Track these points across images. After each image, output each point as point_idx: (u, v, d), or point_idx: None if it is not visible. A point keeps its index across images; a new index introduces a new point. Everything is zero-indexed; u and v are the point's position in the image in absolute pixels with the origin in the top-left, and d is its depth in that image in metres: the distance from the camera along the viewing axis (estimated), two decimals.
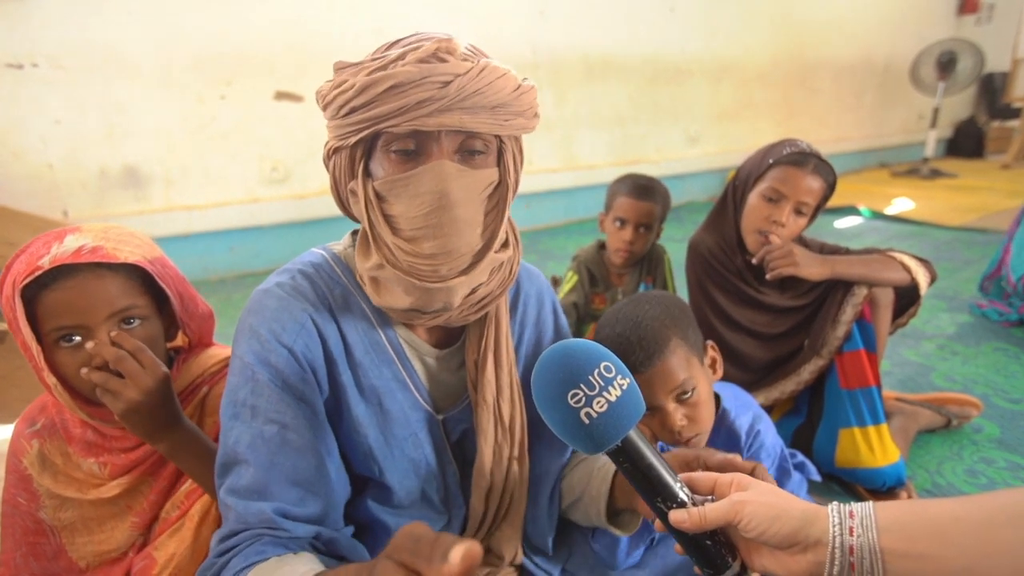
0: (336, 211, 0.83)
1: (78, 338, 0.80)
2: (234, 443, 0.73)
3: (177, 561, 0.85)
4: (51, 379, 0.80)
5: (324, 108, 0.72)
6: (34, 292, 0.78)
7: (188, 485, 0.90)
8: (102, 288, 0.80)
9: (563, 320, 1.01)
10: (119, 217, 2.85)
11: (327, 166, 0.79)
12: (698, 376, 0.97)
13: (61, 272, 0.78)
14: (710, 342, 1.07)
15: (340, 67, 0.72)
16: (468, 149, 0.71)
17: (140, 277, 0.85)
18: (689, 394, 0.95)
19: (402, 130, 0.67)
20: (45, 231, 0.82)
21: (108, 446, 0.88)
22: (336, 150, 0.74)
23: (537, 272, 0.99)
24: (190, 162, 3.03)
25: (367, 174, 0.73)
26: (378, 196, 0.72)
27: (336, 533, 0.77)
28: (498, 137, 0.73)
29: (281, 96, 3.17)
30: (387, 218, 0.72)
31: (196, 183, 3.07)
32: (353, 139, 0.70)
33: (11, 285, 0.77)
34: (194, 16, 2.86)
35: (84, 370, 0.79)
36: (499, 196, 0.75)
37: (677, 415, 0.94)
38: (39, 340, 0.79)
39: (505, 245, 0.79)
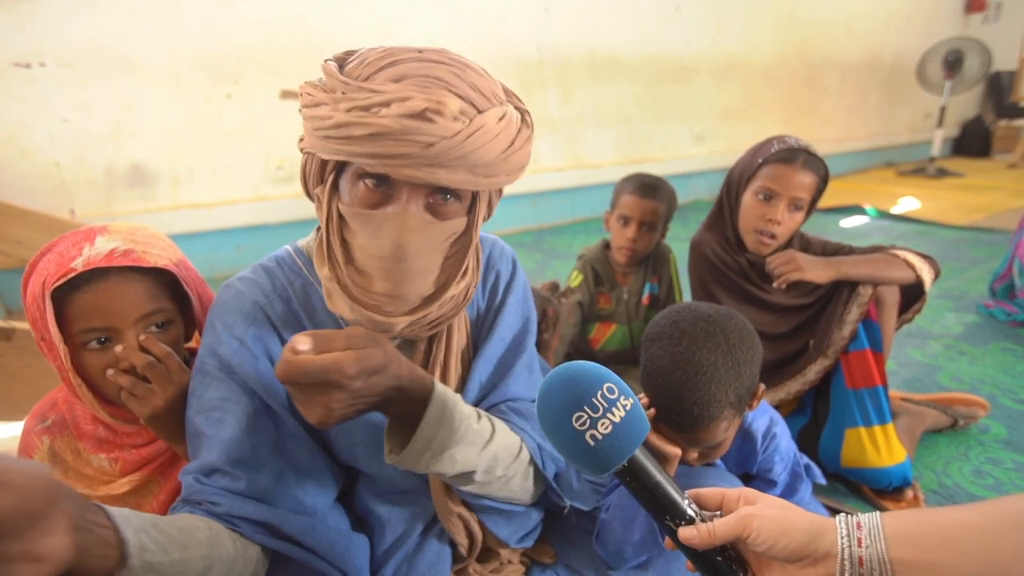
0: None
1: (106, 340, 0.81)
2: (188, 425, 0.78)
3: None
4: (76, 380, 0.80)
5: (301, 109, 0.70)
6: (64, 293, 0.78)
7: None
8: (132, 291, 0.81)
9: (518, 296, 0.95)
10: (125, 215, 2.86)
11: (300, 150, 0.77)
12: (732, 431, 0.93)
13: (93, 275, 0.78)
14: (762, 385, 0.93)
15: (324, 73, 0.68)
16: (440, 196, 0.70)
17: (167, 280, 0.86)
18: (715, 448, 0.93)
19: (374, 170, 0.66)
20: (52, 229, 0.83)
21: (119, 442, 0.89)
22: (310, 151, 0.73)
23: (510, 253, 0.96)
24: (196, 160, 3.04)
25: (335, 187, 0.72)
26: (340, 217, 0.72)
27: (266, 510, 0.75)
28: None
29: (287, 95, 3.18)
30: (343, 243, 0.72)
31: (202, 181, 3.08)
32: (325, 157, 0.68)
33: (40, 285, 0.77)
34: (200, 15, 2.87)
35: (110, 372, 0.79)
36: (462, 244, 0.75)
37: (693, 455, 0.92)
38: (64, 341, 0.79)
39: (464, 273, 0.78)
